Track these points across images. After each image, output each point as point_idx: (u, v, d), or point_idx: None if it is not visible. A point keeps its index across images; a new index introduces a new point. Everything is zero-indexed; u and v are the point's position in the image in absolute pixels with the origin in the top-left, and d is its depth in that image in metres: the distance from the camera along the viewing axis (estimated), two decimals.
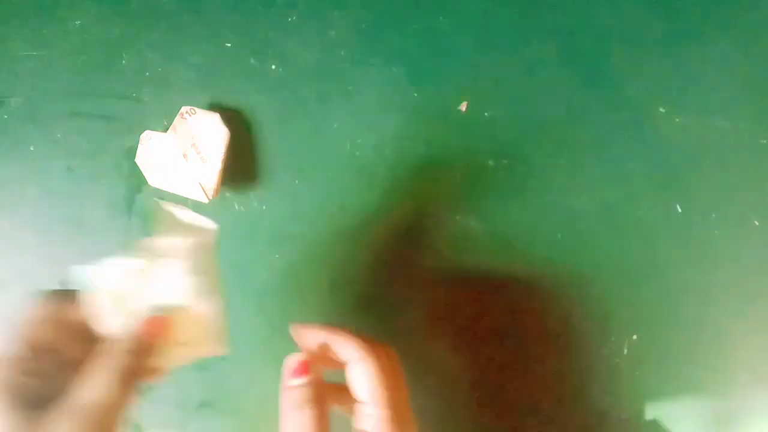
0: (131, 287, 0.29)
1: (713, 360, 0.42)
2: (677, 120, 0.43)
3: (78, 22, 0.45)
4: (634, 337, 0.43)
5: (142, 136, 0.43)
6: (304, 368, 0.31)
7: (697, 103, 0.43)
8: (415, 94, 0.44)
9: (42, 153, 0.45)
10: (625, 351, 0.43)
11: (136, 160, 0.43)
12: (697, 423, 0.43)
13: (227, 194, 0.44)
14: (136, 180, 0.45)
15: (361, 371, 0.31)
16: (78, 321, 0.29)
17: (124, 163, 0.45)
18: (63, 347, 0.29)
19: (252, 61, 0.44)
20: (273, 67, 0.44)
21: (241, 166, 0.44)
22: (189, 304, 0.31)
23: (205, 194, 0.42)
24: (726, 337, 0.42)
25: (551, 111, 0.43)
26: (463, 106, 0.43)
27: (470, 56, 0.43)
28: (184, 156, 0.42)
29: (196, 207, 0.44)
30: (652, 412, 0.43)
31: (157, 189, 0.43)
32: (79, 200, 0.45)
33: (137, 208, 0.45)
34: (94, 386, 0.26)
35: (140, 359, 0.28)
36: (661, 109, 0.43)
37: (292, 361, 0.32)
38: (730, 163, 0.42)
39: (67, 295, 0.30)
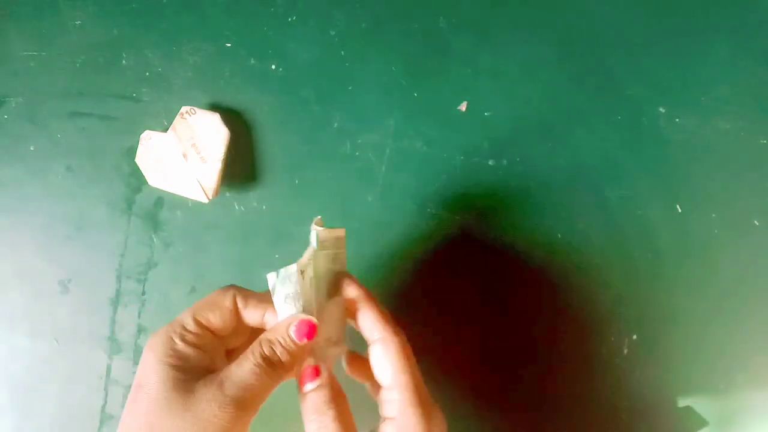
0: (301, 287, 0.32)
1: (713, 360, 0.42)
2: (677, 120, 0.43)
3: (78, 22, 0.45)
4: (634, 337, 0.43)
5: (142, 136, 0.43)
6: (315, 372, 0.32)
7: (697, 103, 0.43)
8: (415, 94, 0.44)
9: (42, 153, 0.45)
10: (625, 351, 0.43)
11: (136, 160, 0.43)
12: (697, 423, 0.43)
13: (227, 194, 0.44)
14: (136, 180, 0.45)
15: (384, 353, 0.32)
16: (248, 315, 0.33)
17: (124, 163, 0.45)
18: (225, 331, 0.33)
19: (252, 61, 0.44)
20: (273, 67, 0.44)
21: (241, 166, 0.44)
22: (333, 299, 0.34)
23: (205, 194, 0.42)
24: (726, 337, 0.42)
25: (551, 111, 0.43)
26: (463, 106, 0.43)
27: (470, 56, 0.43)
28: (184, 156, 0.42)
29: (196, 207, 0.44)
30: (652, 411, 0.43)
31: (157, 188, 0.43)
32: (79, 200, 0.45)
33: (137, 208, 0.45)
34: (241, 368, 0.29)
35: (287, 353, 0.31)
36: (661, 109, 0.43)
37: (303, 367, 0.32)
38: (730, 163, 0.42)
39: (251, 298, 0.33)
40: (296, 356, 0.31)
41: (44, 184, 0.45)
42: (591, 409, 0.43)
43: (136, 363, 0.45)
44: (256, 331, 0.33)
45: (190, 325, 0.31)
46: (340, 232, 0.36)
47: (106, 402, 0.45)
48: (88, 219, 0.45)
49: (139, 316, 0.45)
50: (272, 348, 0.30)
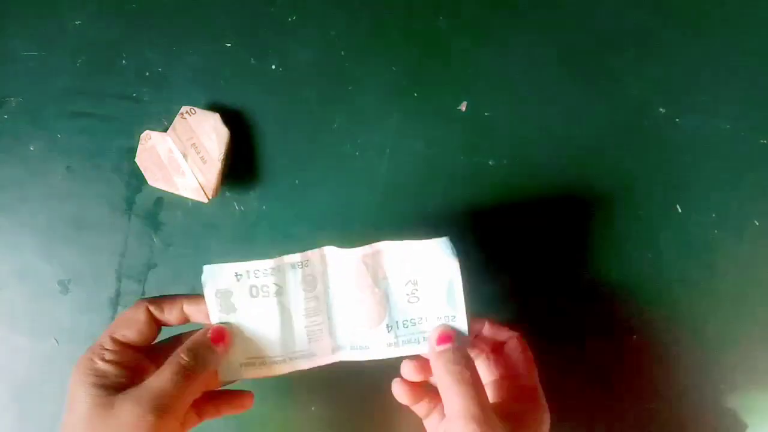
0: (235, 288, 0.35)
1: (713, 360, 0.42)
2: (677, 120, 0.43)
3: (78, 22, 0.45)
4: (634, 337, 0.43)
5: (142, 136, 0.43)
6: (448, 337, 0.34)
7: (697, 103, 0.43)
8: (415, 94, 0.44)
9: (42, 153, 0.45)
10: (626, 351, 0.43)
11: (136, 160, 0.43)
12: (696, 423, 0.43)
13: (227, 194, 0.44)
14: (136, 180, 0.45)
15: (519, 344, 0.36)
16: (168, 317, 0.35)
17: (124, 163, 0.45)
18: (145, 342, 0.35)
19: (252, 61, 0.44)
20: (273, 67, 0.44)
21: (241, 166, 0.44)
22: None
23: (205, 194, 0.42)
24: (726, 337, 0.42)
25: (551, 111, 0.43)
26: (463, 106, 0.43)
27: (470, 56, 0.43)
28: (184, 156, 0.42)
29: (196, 207, 0.44)
30: (652, 412, 0.43)
31: (157, 188, 0.43)
32: (79, 200, 0.45)
33: (137, 208, 0.45)
34: (159, 377, 0.31)
35: (200, 359, 0.33)
36: (661, 109, 0.43)
37: (437, 331, 0.34)
38: (730, 163, 0.42)
39: (163, 302, 0.35)
40: (211, 360, 0.33)
41: (44, 184, 0.45)
42: (590, 409, 0.43)
43: None
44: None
45: (108, 344, 0.33)
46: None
47: None
48: (88, 219, 0.45)
49: None
50: (191, 353, 0.32)
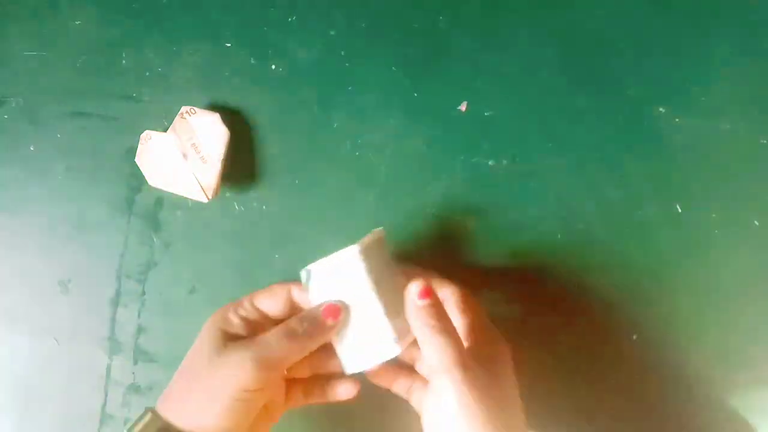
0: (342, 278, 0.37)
1: (713, 360, 0.42)
2: (677, 120, 0.43)
3: (78, 22, 0.45)
4: (634, 337, 0.43)
5: (142, 136, 0.43)
6: (427, 292, 0.35)
7: (697, 103, 0.42)
8: (415, 94, 0.44)
9: (42, 153, 0.45)
10: (626, 351, 0.43)
11: (136, 160, 0.43)
12: (696, 423, 0.43)
13: (227, 194, 0.44)
14: (136, 180, 0.45)
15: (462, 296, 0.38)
16: (301, 299, 0.38)
17: (124, 163, 0.45)
18: (277, 314, 0.38)
19: (252, 61, 0.44)
20: (273, 67, 0.44)
21: (241, 166, 0.44)
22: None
23: (205, 194, 0.42)
24: (726, 337, 0.42)
25: (551, 111, 0.43)
26: (463, 106, 0.43)
27: (470, 56, 0.43)
28: (184, 156, 0.42)
29: (196, 207, 0.44)
30: (651, 412, 0.43)
31: (157, 188, 0.43)
32: (79, 200, 0.45)
33: (137, 208, 0.45)
34: (268, 334, 0.35)
35: (308, 328, 0.35)
36: (661, 109, 0.43)
37: (418, 287, 0.35)
38: (730, 163, 0.42)
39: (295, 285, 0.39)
40: (320, 331, 0.35)
41: (44, 184, 0.45)
42: (591, 409, 0.43)
43: (136, 363, 0.45)
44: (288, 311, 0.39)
45: (245, 303, 0.38)
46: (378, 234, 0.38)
47: (106, 402, 0.45)
48: (88, 219, 0.45)
49: (139, 316, 0.45)
50: (301, 321, 0.35)
